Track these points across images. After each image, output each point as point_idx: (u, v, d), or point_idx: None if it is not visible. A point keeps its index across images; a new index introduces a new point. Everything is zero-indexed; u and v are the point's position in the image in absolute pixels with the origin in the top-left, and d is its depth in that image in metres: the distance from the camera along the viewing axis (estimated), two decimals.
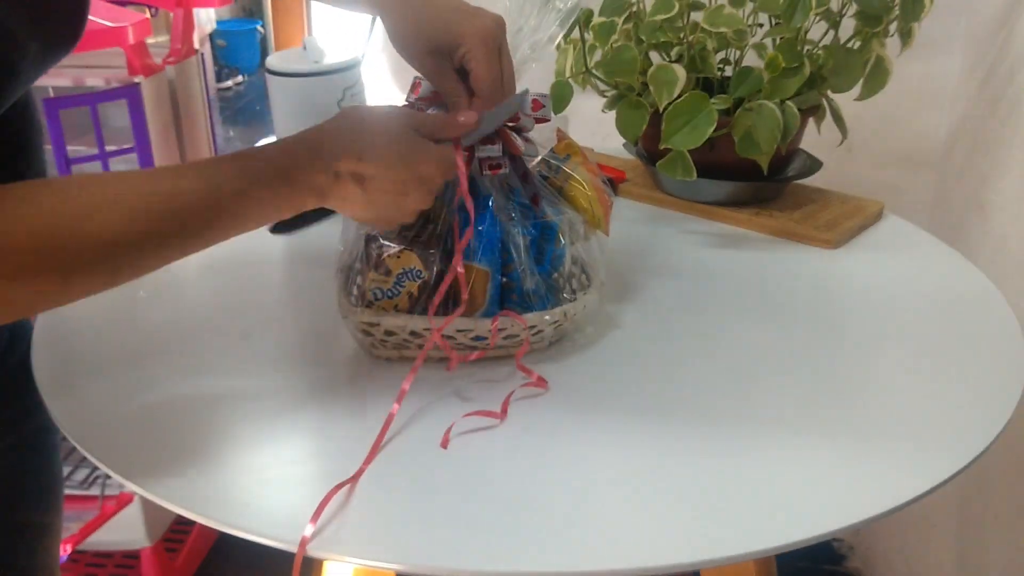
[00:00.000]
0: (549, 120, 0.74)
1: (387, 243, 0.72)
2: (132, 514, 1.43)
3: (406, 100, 0.75)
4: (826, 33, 0.98)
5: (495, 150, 0.71)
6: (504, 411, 0.68)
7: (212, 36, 3.83)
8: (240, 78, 4.79)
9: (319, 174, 0.61)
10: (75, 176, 0.59)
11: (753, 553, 0.56)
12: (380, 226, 0.71)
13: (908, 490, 0.60)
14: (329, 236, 0.79)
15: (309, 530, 0.55)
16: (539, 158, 0.78)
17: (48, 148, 1.24)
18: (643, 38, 1.00)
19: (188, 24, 1.48)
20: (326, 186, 0.61)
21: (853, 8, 0.97)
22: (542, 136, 0.77)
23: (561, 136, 0.83)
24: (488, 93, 0.69)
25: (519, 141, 0.75)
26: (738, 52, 1.04)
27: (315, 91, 1.02)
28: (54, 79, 1.39)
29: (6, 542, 0.76)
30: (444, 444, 0.64)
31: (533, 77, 0.75)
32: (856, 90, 1.00)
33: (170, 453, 0.64)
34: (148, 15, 1.50)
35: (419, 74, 0.74)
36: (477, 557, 0.55)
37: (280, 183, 0.60)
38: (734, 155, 0.97)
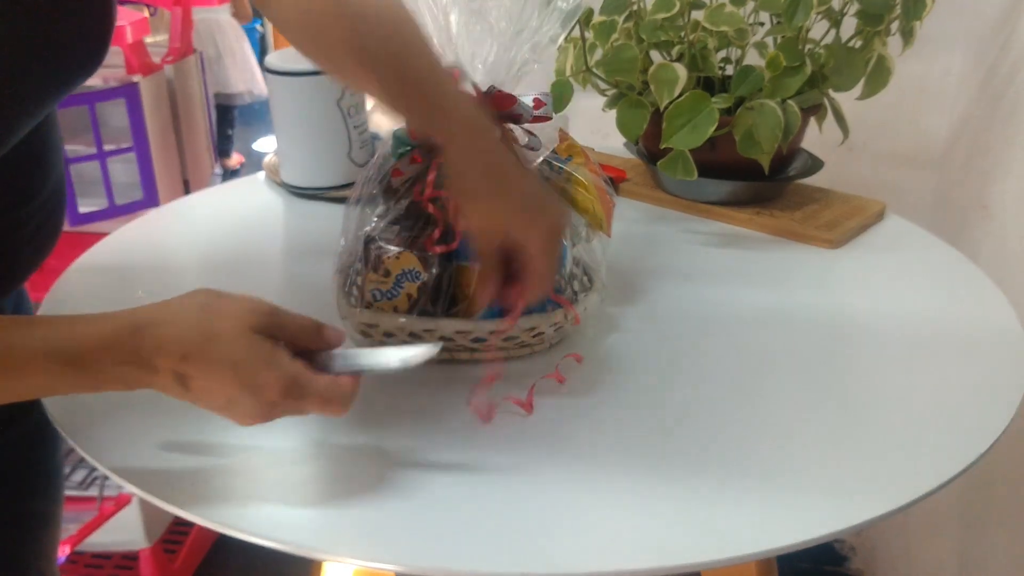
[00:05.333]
0: (550, 119, 0.74)
1: (386, 245, 0.72)
2: (130, 515, 1.43)
3: None
4: (827, 32, 0.98)
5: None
6: (530, 404, 0.68)
7: None
8: None
9: (128, 366, 0.54)
10: None
11: (755, 554, 0.55)
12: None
13: (910, 491, 0.59)
14: (329, 237, 0.79)
15: None
16: (541, 159, 0.78)
17: None
18: (644, 37, 1.00)
19: (187, 23, 1.48)
20: (137, 378, 0.55)
21: (854, 7, 0.97)
22: (544, 135, 0.77)
23: (563, 137, 0.83)
24: (537, 289, 0.66)
25: (519, 133, 0.75)
26: (739, 51, 1.04)
27: (314, 90, 1.02)
28: None
29: (11, 532, 0.76)
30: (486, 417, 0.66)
31: (534, 76, 0.74)
32: (857, 89, 1.00)
33: (169, 454, 0.64)
34: (146, 14, 1.50)
35: None
36: (476, 558, 0.54)
37: (74, 368, 0.54)
38: (735, 154, 0.97)
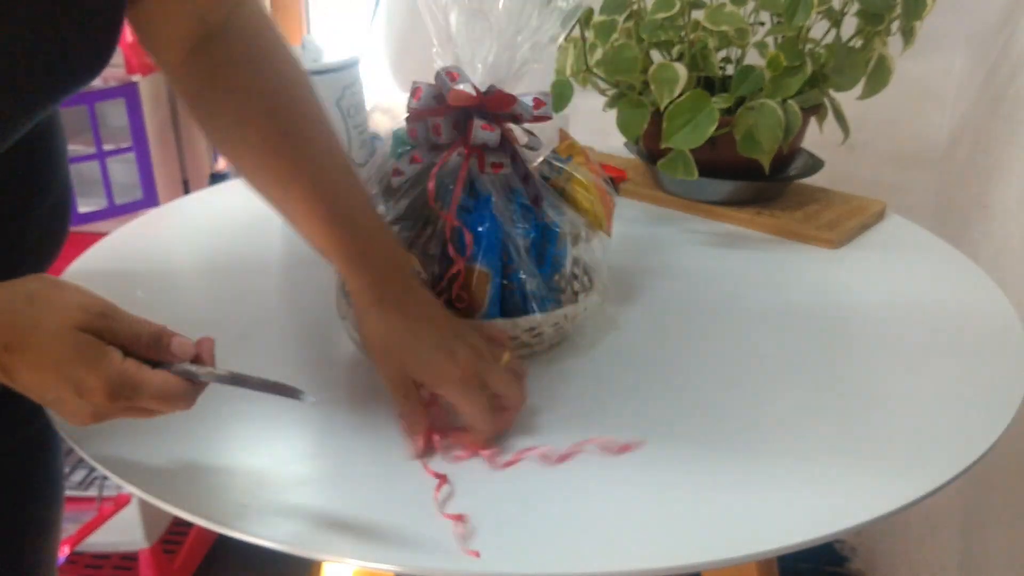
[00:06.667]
0: (550, 118, 0.74)
1: None
2: (130, 515, 1.43)
3: (407, 106, 0.74)
4: (828, 31, 0.98)
5: (493, 138, 0.70)
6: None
7: None
8: None
9: None
10: None
11: (755, 555, 0.55)
12: None
13: (911, 491, 0.59)
14: None
15: None
16: (541, 159, 0.78)
17: None
18: (644, 36, 1.00)
19: None
20: None
21: (855, 7, 0.97)
22: (544, 135, 0.77)
23: (563, 136, 0.83)
24: (483, 428, 0.62)
25: (519, 132, 0.74)
26: (739, 51, 1.04)
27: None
28: None
29: (12, 538, 0.76)
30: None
31: (534, 76, 0.74)
32: (858, 89, 1.00)
33: (168, 454, 0.63)
34: None
35: (419, 79, 0.73)
36: (476, 558, 0.54)
37: None
38: (735, 154, 0.96)
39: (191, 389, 0.55)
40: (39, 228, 0.70)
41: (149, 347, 0.54)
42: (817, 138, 1.05)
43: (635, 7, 1.02)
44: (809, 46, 0.96)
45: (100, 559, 1.55)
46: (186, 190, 1.52)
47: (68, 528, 1.33)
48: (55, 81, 0.61)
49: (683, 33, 1.00)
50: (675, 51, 1.03)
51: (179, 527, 1.57)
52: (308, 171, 0.66)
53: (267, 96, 0.67)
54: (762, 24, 1.03)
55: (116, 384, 0.52)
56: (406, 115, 0.74)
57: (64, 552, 1.33)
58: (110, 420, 0.55)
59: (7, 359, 0.51)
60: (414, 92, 0.73)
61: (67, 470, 1.42)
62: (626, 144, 1.11)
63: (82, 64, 0.62)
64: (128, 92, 1.34)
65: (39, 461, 0.79)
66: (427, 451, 0.63)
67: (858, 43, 0.98)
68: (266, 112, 0.67)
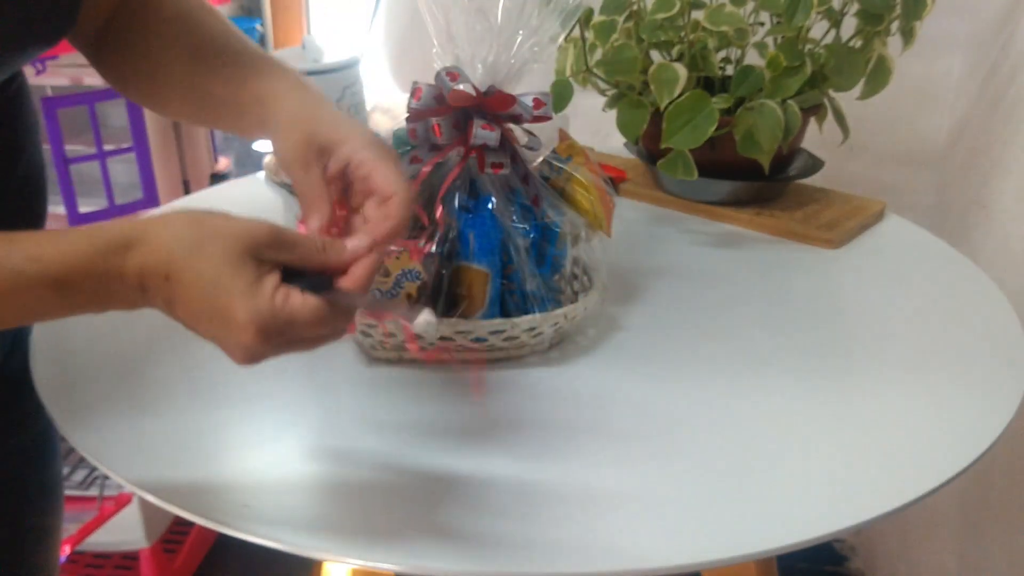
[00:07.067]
0: (550, 118, 0.74)
1: None
2: (131, 515, 1.43)
3: (407, 106, 0.74)
4: (828, 32, 0.98)
5: (493, 138, 0.71)
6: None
7: None
8: None
9: (117, 284, 0.49)
10: None
11: (754, 554, 0.55)
12: None
13: (910, 491, 0.59)
14: None
15: None
16: (541, 159, 0.78)
17: (46, 147, 1.23)
18: (644, 37, 1.00)
19: None
20: (131, 298, 0.50)
21: (855, 7, 0.97)
22: (544, 135, 0.77)
23: (563, 137, 0.83)
24: (401, 191, 0.56)
25: (519, 132, 0.75)
26: (739, 51, 1.04)
27: None
28: (52, 78, 1.39)
29: (10, 545, 0.75)
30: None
31: (534, 76, 0.74)
32: (858, 89, 1.00)
33: (169, 454, 0.64)
34: None
35: (419, 79, 0.73)
36: (477, 558, 0.54)
37: (64, 291, 0.49)
38: (735, 154, 0.97)
39: (345, 311, 0.52)
40: (10, 204, 0.69)
41: (321, 255, 0.52)
42: (817, 138, 1.05)
43: (635, 7, 1.02)
44: (809, 46, 0.96)
45: (101, 559, 1.55)
46: (186, 190, 1.52)
47: (69, 528, 1.34)
48: (24, 34, 0.59)
49: (683, 33, 1.00)
50: (675, 51, 1.03)
51: (180, 527, 1.57)
52: (229, 51, 0.66)
53: (182, 18, 0.67)
54: (762, 24, 1.03)
55: (267, 320, 0.49)
56: (406, 115, 0.74)
57: (65, 552, 1.33)
58: (268, 359, 0.51)
59: (169, 289, 0.49)
60: (414, 92, 0.73)
61: (67, 470, 1.42)
62: (626, 144, 1.11)
63: (53, 15, 0.61)
64: None
65: (38, 466, 0.78)
66: (332, 226, 0.57)
67: (858, 43, 0.98)
68: (187, 29, 0.67)
